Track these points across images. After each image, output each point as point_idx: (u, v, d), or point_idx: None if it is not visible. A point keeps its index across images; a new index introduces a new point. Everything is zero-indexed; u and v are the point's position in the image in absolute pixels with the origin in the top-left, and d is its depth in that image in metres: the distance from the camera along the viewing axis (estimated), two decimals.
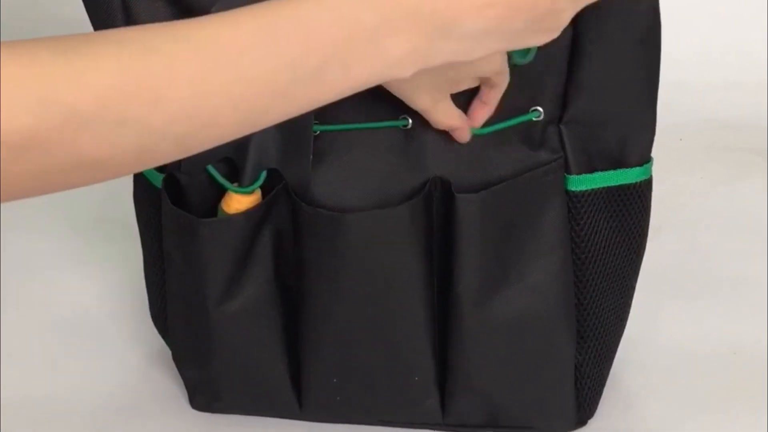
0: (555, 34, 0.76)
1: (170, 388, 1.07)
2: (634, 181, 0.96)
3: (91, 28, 0.91)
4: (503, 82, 0.89)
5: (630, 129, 0.94)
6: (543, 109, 0.92)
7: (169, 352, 1.07)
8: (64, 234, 1.30)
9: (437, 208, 0.93)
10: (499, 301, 0.94)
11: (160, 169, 0.96)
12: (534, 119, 0.92)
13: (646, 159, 0.96)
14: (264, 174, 0.92)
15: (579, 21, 0.89)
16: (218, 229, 0.92)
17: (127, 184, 1.35)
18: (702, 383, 1.07)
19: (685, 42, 1.57)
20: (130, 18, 0.89)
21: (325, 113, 0.90)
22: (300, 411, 1.01)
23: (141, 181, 1.00)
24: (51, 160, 0.64)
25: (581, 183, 0.94)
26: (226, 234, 0.92)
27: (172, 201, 0.93)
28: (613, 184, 0.95)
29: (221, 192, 0.94)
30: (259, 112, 0.70)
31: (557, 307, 0.95)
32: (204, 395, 1.02)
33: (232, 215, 0.92)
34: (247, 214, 0.92)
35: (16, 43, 0.64)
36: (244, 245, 0.93)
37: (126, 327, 1.15)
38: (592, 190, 0.94)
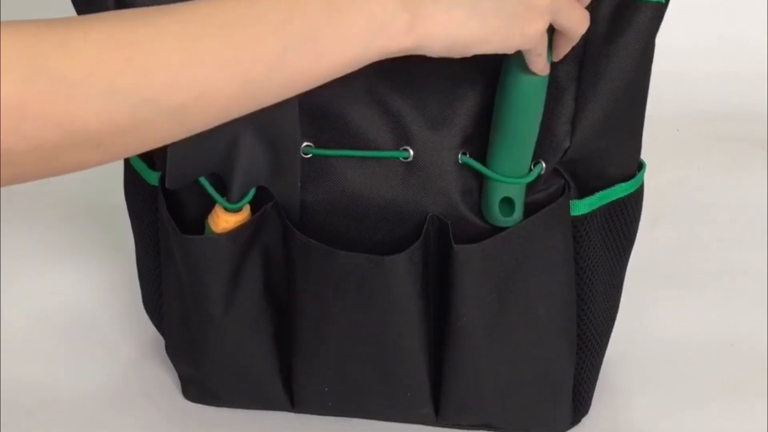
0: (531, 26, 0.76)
1: (163, 378, 1.06)
2: (626, 194, 0.95)
3: None
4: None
5: (619, 155, 0.93)
6: (545, 161, 0.89)
7: (162, 343, 1.06)
8: (53, 225, 1.30)
9: (434, 247, 0.91)
10: (500, 334, 0.93)
11: (152, 165, 0.96)
12: (539, 173, 0.89)
13: (636, 170, 0.95)
14: (252, 191, 0.90)
15: (584, 61, 0.88)
16: (205, 247, 0.91)
17: (116, 175, 1.36)
18: (700, 375, 1.07)
19: (682, 32, 1.56)
20: None
21: (321, 136, 0.89)
22: (292, 408, 1.00)
23: (132, 176, 0.99)
24: (47, 134, 0.64)
25: (580, 207, 0.93)
26: (212, 252, 0.91)
27: (166, 199, 0.93)
28: (607, 201, 0.94)
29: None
30: (257, 84, 0.69)
31: (560, 335, 0.95)
32: (197, 389, 1.02)
33: (218, 234, 0.91)
34: (233, 235, 0.91)
35: (4, 22, 0.64)
36: (232, 263, 0.92)
37: (118, 318, 1.15)
38: (591, 211, 0.93)
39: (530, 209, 0.90)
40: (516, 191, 0.88)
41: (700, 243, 1.27)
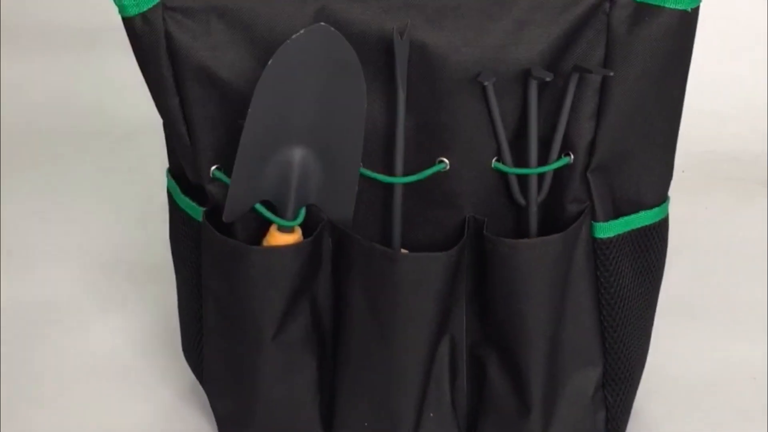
0: None
1: (199, 422, 1.07)
2: (655, 221, 0.98)
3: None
4: None
5: (650, 170, 0.96)
6: (574, 155, 0.94)
7: (199, 388, 1.08)
8: (84, 277, 1.31)
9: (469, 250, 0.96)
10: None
11: (201, 202, 0.98)
12: (568, 163, 0.94)
13: (664, 198, 0.98)
14: (303, 211, 0.94)
15: (606, 63, 0.91)
16: (271, 258, 0.93)
17: (146, 226, 1.37)
18: (722, 409, 1.09)
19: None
20: (182, 100, 0.93)
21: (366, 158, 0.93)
22: None
23: (179, 215, 1.01)
24: None
25: (608, 230, 0.95)
26: (279, 264, 0.93)
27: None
28: (636, 227, 0.97)
29: (262, 228, 0.95)
30: None
31: (584, 349, 0.98)
32: (234, 428, 1.03)
33: (284, 246, 0.94)
34: (297, 249, 0.94)
35: None
36: (293, 280, 0.94)
37: (156, 366, 1.16)
38: (618, 235, 0.96)
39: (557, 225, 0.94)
40: None
41: (712, 279, 1.29)
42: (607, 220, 0.95)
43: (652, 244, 0.98)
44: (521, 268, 0.93)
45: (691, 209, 1.42)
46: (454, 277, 0.95)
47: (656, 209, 0.97)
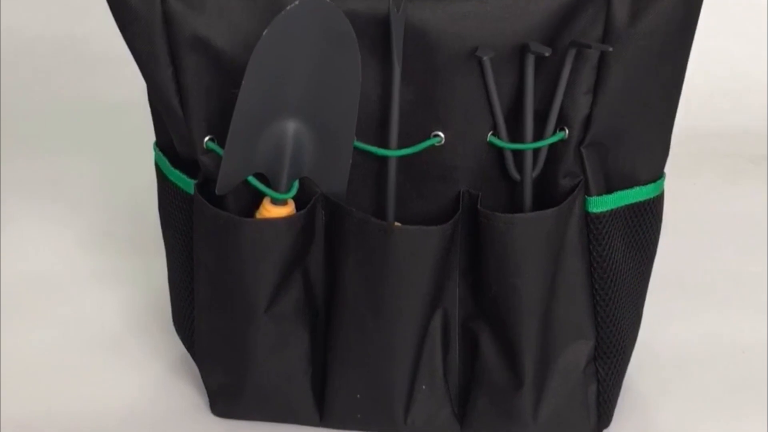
0: None
1: (191, 395, 1.07)
2: (649, 197, 0.98)
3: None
4: None
5: (646, 146, 0.97)
6: (569, 130, 0.94)
7: (189, 362, 1.08)
8: (74, 250, 1.31)
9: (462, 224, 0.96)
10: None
11: (192, 174, 0.97)
12: (563, 138, 0.94)
13: (659, 174, 0.98)
14: (297, 183, 0.93)
15: (605, 40, 0.91)
16: (263, 231, 0.93)
17: (134, 200, 1.37)
18: (714, 383, 1.09)
19: None
20: (176, 70, 0.93)
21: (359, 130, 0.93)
22: (320, 421, 1.02)
23: (169, 188, 1.01)
24: None
25: (601, 204, 0.95)
26: (270, 236, 0.93)
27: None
28: (629, 202, 0.97)
29: (255, 201, 0.95)
30: None
31: (577, 324, 0.98)
32: (226, 401, 1.03)
33: (277, 218, 0.94)
34: (290, 221, 0.94)
35: None
36: (285, 251, 0.94)
37: (145, 339, 1.16)
38: (611, 210, 0.96)
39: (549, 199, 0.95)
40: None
41: (704, 254, 1.30)
42: (600, 194, 0.95)
43: (645, 220, 0.98)
44: (515, 242, 0.93)
45: (679, 185, 1.42)
46: (447, 251, 0.95)
47: (651, 185, 0.98)
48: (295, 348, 0.98)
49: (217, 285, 0.96)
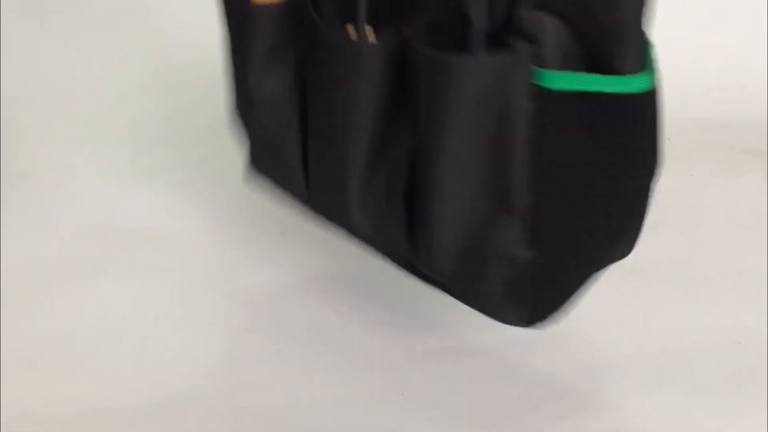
0: None
1: (192, 390, 1.08)
2: (617, 91, 0.89)
3: None
4: None
5: (621, 31, 0.88)
6: None
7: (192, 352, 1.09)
8: (74, 242, 1.32)
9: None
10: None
11: None
12: None
13: (637, 69, 0.89)
14: None
15: None
16: (258, 12, 1.02)
17: (128, 197, 1.37)
18: (708, 373, 1.10)
19: (672, 43, 1.59)
20: None
21: None
22: (308, 197, 1.08)
23: None
24: None
25: (554, 80, 0.89)
26: (261, 17, 1.02)
27: None
28: (590, 90, 0.89)
29: None
30: None
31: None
32: (250, 159, 1.11)
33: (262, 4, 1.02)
34: (276, 6, 1.02)
35: None
36: (274, 33, 1.03)
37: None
38: (566, 91, 0.89)
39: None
40: None
41: (700, 246, 1.30)
42: (557, 69, 0.89)
43: (613, 118, 0.90)
44: (452, 82, 0.91)
45: (678, 176, 1.42)
46: (386, 75, 0.97)
47: (621, 78, 0.88)
48: (288, 134, 1.06)
49: (234, 56, 1.08)
